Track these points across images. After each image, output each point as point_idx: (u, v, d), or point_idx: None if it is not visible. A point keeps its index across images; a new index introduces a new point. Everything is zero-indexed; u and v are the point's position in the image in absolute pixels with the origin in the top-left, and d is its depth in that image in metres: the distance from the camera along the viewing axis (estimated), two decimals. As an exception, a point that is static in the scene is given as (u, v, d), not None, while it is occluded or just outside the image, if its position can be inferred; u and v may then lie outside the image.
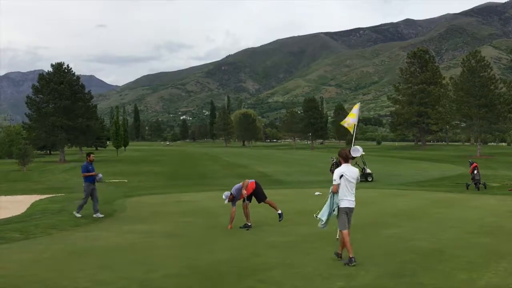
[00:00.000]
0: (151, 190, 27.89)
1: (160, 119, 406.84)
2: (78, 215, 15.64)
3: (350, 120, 14.58)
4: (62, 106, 69.20)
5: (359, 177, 9.75)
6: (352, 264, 8.94)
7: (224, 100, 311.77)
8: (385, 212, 16.90)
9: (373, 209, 18.03)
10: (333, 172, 34.95)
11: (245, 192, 13.32)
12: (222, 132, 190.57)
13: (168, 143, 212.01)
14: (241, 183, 13.64)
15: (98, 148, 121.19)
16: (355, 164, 38.37)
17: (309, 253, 10.16)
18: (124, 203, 20.43)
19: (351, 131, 14.74)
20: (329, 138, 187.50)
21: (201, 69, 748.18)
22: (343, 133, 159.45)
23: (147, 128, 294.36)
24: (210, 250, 10.56)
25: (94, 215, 15.66)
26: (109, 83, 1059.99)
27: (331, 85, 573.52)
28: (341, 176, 9.31)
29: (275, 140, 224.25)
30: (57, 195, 26.60)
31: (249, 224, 13.51)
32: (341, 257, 9.47)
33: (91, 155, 16.28)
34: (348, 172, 9.37)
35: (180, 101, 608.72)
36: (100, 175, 16.21)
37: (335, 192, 9.35)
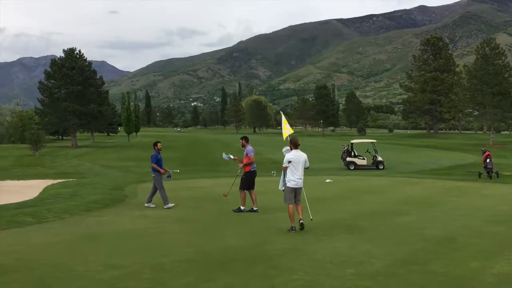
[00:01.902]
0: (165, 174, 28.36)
1: (171, 105, 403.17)
2: (170, 205, 14.86)
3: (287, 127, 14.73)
4: (74, 91, 69.45)
5: (307, 161, 11.36)
6: (293, 231, 10.81)
7: (236, 86, 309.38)
8: (397, 200, 16.85)
9: (385, 197, 18.00)
10: (344, 160, 34.98)
11: (241, 166, 14.30)
12: (233, 119, 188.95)
13: (178, 129, 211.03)
14: (252, 154, 14.17)
15: (110, 134, 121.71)
16: (366, 152, 38.34)
17: (320, 240, 10.16)
18: (136, 188, 20.54)
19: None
20: (341, 125, 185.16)
21: (213, 56, 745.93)
22: (354, 121, 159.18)
23: (158, 114, 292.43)
24: (221, 236, 10.59)
25: (146, 204, 15.07)
26: (120, 69, 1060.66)
27: (343, 72, 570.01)
28: (289, 161, 11.14)
29: None
30: (69, 180, 26.82)
31: (255, 208, 14.00)
32: (295, 229, 10.93)
33: (159, 144, 15.63)
34: (295, 157, 11.19)
35: (192, 87, 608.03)
36: (169, 173, 15.58)
37: (284, 172, 11.39)
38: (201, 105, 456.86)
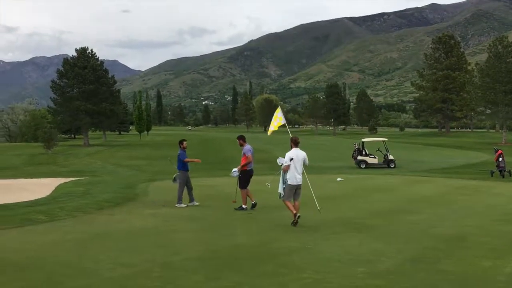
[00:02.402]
0: (174, 175, 28.26)
1: (182, 104, 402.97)
2: (183, 205, 14.75)
3: (274, 123, 14.52)
4: (86, 90, 69.89)
5: (306, 158, 11.54)
6: (297, 218, 11.22)
7: (246, 85, 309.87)
8: (407, 199, 16.79)
9: (395, 195, 17.93)
10: (355, 158, 34.88)
11: (239, 167, 14.36)
12: (244, 117, 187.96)
13: (189, 128, 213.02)
14: (249, 154, 14.22)
15: (122, 133, 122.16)
16: (377, 151, 38.20)
17: (329, 238, 10.14)
18: (147, 187, 20.62)
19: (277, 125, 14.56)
20: (352, 124, 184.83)
21: (224, 54, 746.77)
22: (365, 119, 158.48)
23: (169, 113, 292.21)
24: (230, 234, 10.61)
25: (190, 204, 14.90)
26: (132, 68, 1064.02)
27: (354, 70, 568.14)
28: (291, 159, 11.29)
29: (297, 126, 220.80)
30: (81, 178, 26.99)
31: (254, 201, 14.27)
32: (298, 216, 11.29)
33: (184, 142, 15.74)
34: (296, 155, 11.39)
35: (203, 86, 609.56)
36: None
37: (285, 171, 11.40)
38: (212, 103, 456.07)
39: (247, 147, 14.34)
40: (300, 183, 11.45)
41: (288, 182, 11.36)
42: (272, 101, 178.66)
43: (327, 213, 12.84)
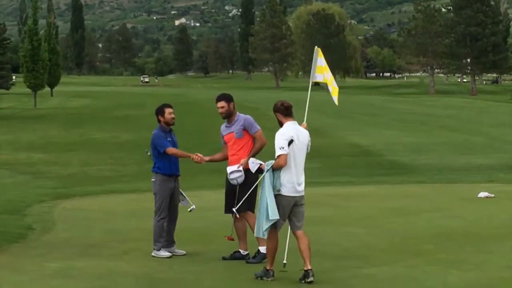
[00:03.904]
0: (110, 184, 17.07)
1: (130, 25, 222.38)
2: (165, 253, 7.55)
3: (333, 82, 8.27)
4: None
5: (309, 145, 6.39)
6: (269, 279, 6.24)
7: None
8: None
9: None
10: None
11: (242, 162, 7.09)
12: (269, 56, 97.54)
13: (147, 80, 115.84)
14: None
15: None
16: None
17: None
18: (50, 212, 11.11)
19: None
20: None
21: None
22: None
23: (101, 45, 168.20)
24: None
25: (171, 250, 7.70)
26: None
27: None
28: (290, 142, 6.07)
29: (389, 74, 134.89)
30: None
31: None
32: (273, 276, 6.27)
33: (167, 110, 7.72)
34: (297, 136, 6.18)
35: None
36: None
37: (277, 169, 6.11)
38: (197, 24, 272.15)
39: (248, 118, 7.43)
40: (303, 193, 6.30)
41: (282, 192, 6.16)
42: (333, 18, 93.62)
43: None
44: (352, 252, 7.62)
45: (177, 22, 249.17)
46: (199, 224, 7.46)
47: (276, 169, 6.18)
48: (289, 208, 6.25)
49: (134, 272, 6.78)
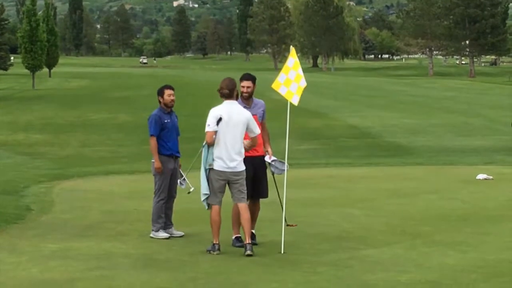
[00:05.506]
0: (109, 165, 16.96)
1: (128, 6, 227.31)
2: (163, 235, 7.54)
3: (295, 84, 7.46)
4: None
5: (252, 123, 6.49)
6: (214, 252, 6.50)
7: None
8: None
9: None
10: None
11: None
12: (267, 38, 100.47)
13: (145, 62, 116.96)
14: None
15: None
16: None
17: None
18: (48, 193, 11.20)
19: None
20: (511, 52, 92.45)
21: None
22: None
23: (99, 26, 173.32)
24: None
25: (169, 232, 7.65)
26: None
27: None
28: (219, 120, 6.35)
29: (387, 56, 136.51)
30: None
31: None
32: (218, 249, 6.54)
33: (167, 91, 7.64)
34: (228, 114, 6.41)
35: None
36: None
37: (210, 145, 6.46)
38: (195, 6, 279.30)
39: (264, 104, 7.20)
40: (239, 170, 6.48)
41: (214, 166, 6.48)
42: (332, 0, 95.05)
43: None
44: (351, 234, 7.71)
45: (175, 3, 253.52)
46: (198, 206, 7.43)
47: (209, 144, 6.51)
48: (223, 182, 6.53)
49: (132, 253, 6.82)
